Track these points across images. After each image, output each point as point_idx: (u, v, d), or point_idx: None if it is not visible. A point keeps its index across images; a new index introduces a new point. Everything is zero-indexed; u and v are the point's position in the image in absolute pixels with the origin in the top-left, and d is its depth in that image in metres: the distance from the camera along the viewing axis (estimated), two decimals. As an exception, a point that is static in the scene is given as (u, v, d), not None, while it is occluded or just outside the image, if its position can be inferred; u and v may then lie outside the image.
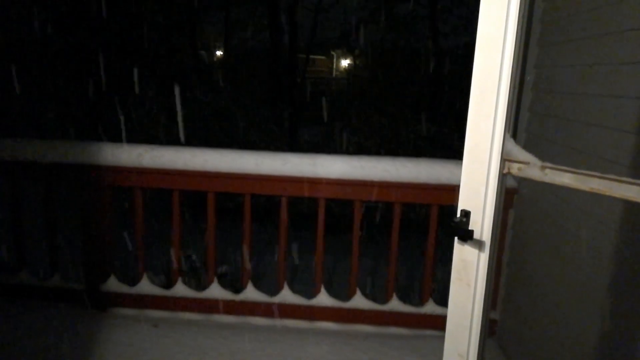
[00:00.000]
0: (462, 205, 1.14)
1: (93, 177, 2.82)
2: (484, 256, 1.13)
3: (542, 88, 2.48)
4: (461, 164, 1.17)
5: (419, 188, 2.71)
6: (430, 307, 2.91)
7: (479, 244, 1.13)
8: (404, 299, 2.96)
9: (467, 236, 1.12)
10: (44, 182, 2.95)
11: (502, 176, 1.08)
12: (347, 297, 2.94)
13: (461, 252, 1.16)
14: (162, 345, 2.63)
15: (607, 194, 0.91)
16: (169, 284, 3.06)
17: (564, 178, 0.99)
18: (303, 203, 7.00)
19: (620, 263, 1.69)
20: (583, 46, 2.03)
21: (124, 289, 2.99)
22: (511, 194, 2.71)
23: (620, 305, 1.68)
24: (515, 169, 1.06)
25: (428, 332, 2.89)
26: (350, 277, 2.94)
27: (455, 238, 1.17)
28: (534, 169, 1.04)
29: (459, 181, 1.17)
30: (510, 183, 2.68)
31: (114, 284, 2.99)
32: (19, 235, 3.00)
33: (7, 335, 2.63)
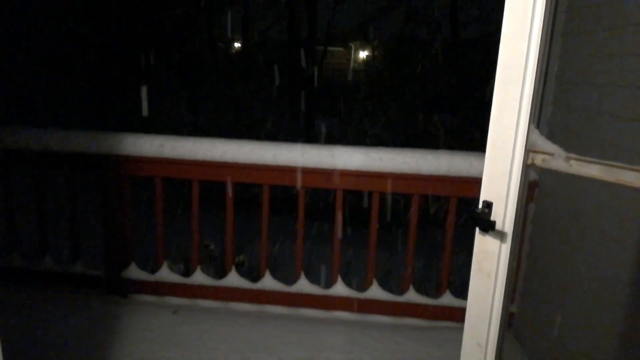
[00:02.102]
0: (484, 196, 1.14)
1: (115, 166, 2.87)
2: (505, 247, 1.13)
3: (566, 79, 2.44)
4: (482, 156, 1.16)
5: (438, 180, 2.70)
6: (447, 299, 2.91)
7: (501, 235, 1.13)
8: (420, 291, 2.96)
9: (488, 227, 1.12)
10: (66, 171, 3.02)
11: (526, 167, 1.07)
12: (364, 287, 2.96)
13: (482, 242, 1.16)
14: (182, 331, 2.68)
15: (635, 185, 0.89)
16: (187, 273, 3.12)
17: (590, 169, 0.98)
18: (319, 195, 7.02)
19: (644, 257, 1.67)
20: (612, 36, 1.98)
21: (144, 276, 3.05)
22: (532, 188, 2.68)
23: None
24: (539, 160, 1.05)
25: (445, 323, 2.89)
26: (367, 268, 2.95)
27: (477, 229, 1.16)
28: (558, 160, 1.02)
29: (480, 174, 1.17)
30: (532, 176, 2.64)
31: (134, 272, 3.05)
32: (42, 223, 3.08)
33: (33, 320, 2.71)
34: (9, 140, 2.92)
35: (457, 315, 2.86)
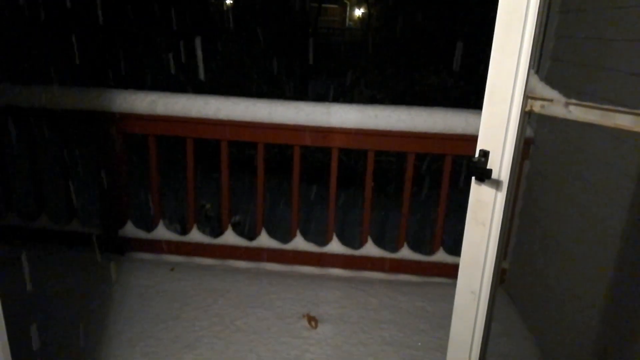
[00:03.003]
0: (481, 145, 1.13)
1: (107, 123, 2.83)
2: (501, 196, 1.13)
3: (566, 33, 2.39)
4: (477, 113, 1.15)
5: (433, 138, 2.69)
6: (440, 256, 2.96)
7: (497, 184, 1.13)
8: (414, 248, 3.01)
9: (484, 176, 1.11)
10: (59, 128, 2.97)
11: (524, 114, 1.05)
12: (359, 245, 3.00)
13: (478, 192, 1.16)
14: (179, 287, 2.73)
15: (634, 130, 0.89)
16: (184, 233, 3.14)
17: (589, 115, 0.97)
18: (315, 156, 7.00)
19: (637, 212, 1.68)
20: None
21: (141, 234, 3.07)
22: (527, 145, 2.68)
23: (636, 256, 1.69)
24: (537, 106, 1.04)
25: (437, 279, 2.95)
26: (362, 226, 2.98)
27: (473, 178, 1.16)
28: (557, 106, 1.01)
29: (475, 131, 1.16)
30: (527, 133, 2.63)
31: (131, 230, 3.07)
32: (37, 181, 3.06)
33: (31, 279, 2.73)
34: (0, 97, 2.86)
35: (450, 271, 2.92)
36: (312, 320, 2.48)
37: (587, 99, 1.97)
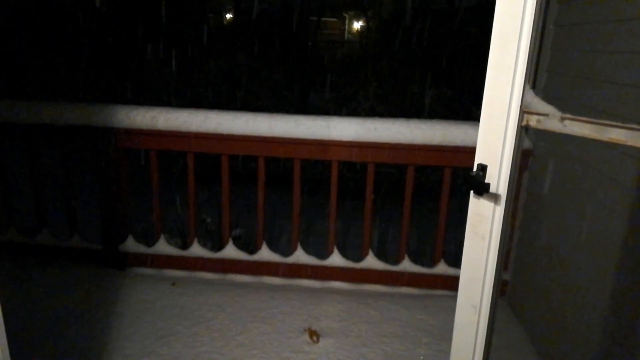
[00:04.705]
0: (478, 159, 1.14)
1: (108, 139, 2.85)
2: (500, 209, 1.14)
3: (561, 47, 2.41)
4: (477, 125, 1.16)
5: (433, 150, 2.70)
6: (441, 268, 2.95)
7: (495, 198, 1.14)
8: (415, 261, 3.00)
9: (483, 190, 1.12)
10: (60, 144, 2.99)
11: (521, 129, 1.07)
12: (360, 258, 2.99)
13: (476, 205, 1.17)
14: (181, 302, 2.72)
15: (628, 144, 0.90)
16: (185, 247, 3.14)
17: (584, 129, 0.98)
18: (315, 169, 7.02)
19: (636, 223, 1.69)
20: (606, 3, 1.96)
21: (142, 249, 3.07)
22: (526, 156, 2.69)
23: (637, 266, 1.69)
24: (534, 121, 1.05)
25: (439, 292, 2.94)
26: (363, 238, 2.98)
27: (471, 192, 1.17)
28: (553, 120, 1.02)
29: (474, 143, 1.17)
30: (526, 145, 2.65)
31: (132, 245, 3.07)
32: (38, 197, 3.07)
33: (31, 293, 2.73)
34: (1, 113, 2.88)
35: (452, 283, 2.91)
36: (314, 335, 2.47)
37: (583, 111, 1.99)
